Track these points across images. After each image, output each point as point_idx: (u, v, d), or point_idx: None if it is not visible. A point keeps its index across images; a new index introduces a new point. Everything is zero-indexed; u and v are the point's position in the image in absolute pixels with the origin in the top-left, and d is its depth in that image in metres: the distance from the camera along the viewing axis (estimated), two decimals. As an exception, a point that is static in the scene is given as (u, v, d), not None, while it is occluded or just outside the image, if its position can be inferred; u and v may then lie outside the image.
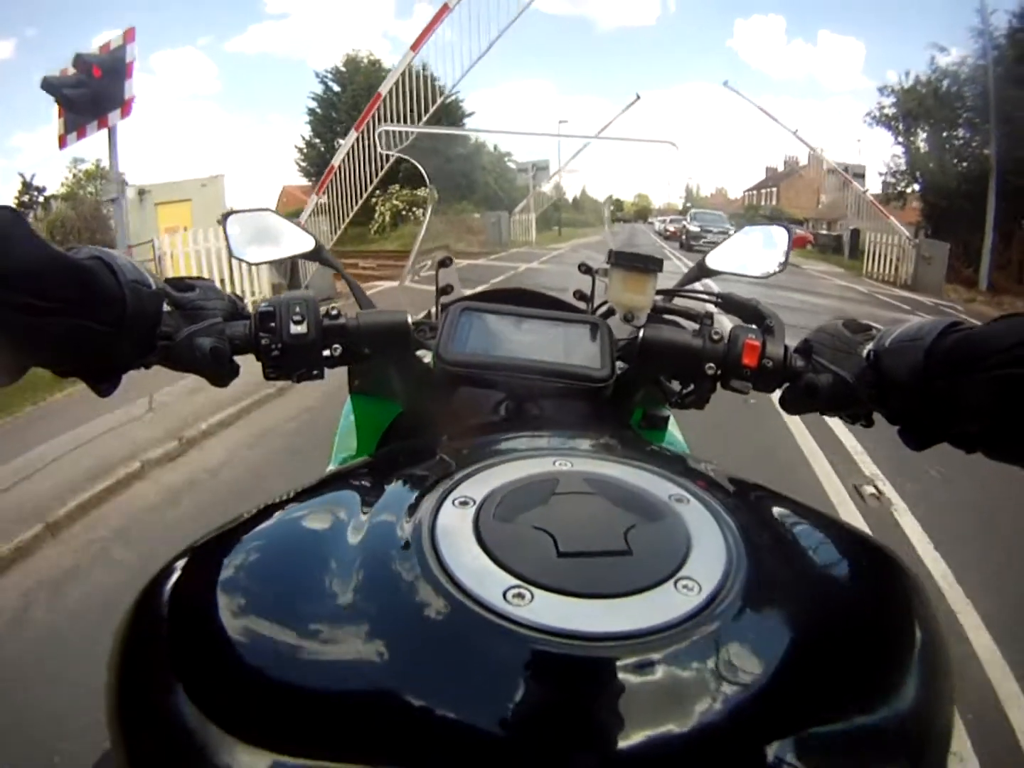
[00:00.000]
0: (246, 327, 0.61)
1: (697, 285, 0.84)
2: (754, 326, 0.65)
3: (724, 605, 0.34)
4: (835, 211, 40.51)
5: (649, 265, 0.68)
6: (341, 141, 21.57)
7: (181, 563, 0.41)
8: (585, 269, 0.86)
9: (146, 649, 0.37)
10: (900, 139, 15.70)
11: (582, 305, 0.87)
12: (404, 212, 19.64)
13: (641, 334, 0.66)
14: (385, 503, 0.43)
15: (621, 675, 0.31)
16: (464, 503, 0.41)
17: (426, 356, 0.70)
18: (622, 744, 0.29)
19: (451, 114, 23.37)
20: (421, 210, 18.92)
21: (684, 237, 20.15)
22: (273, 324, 0.61)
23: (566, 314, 0.73)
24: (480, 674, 0.31)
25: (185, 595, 0.38)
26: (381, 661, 0.32)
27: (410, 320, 0.66)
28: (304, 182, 24.37)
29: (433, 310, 0.86)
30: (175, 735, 0.31)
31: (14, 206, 0.47)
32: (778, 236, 0.82)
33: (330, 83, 23.71)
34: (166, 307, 0.58)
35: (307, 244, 0.77)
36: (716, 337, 0.64)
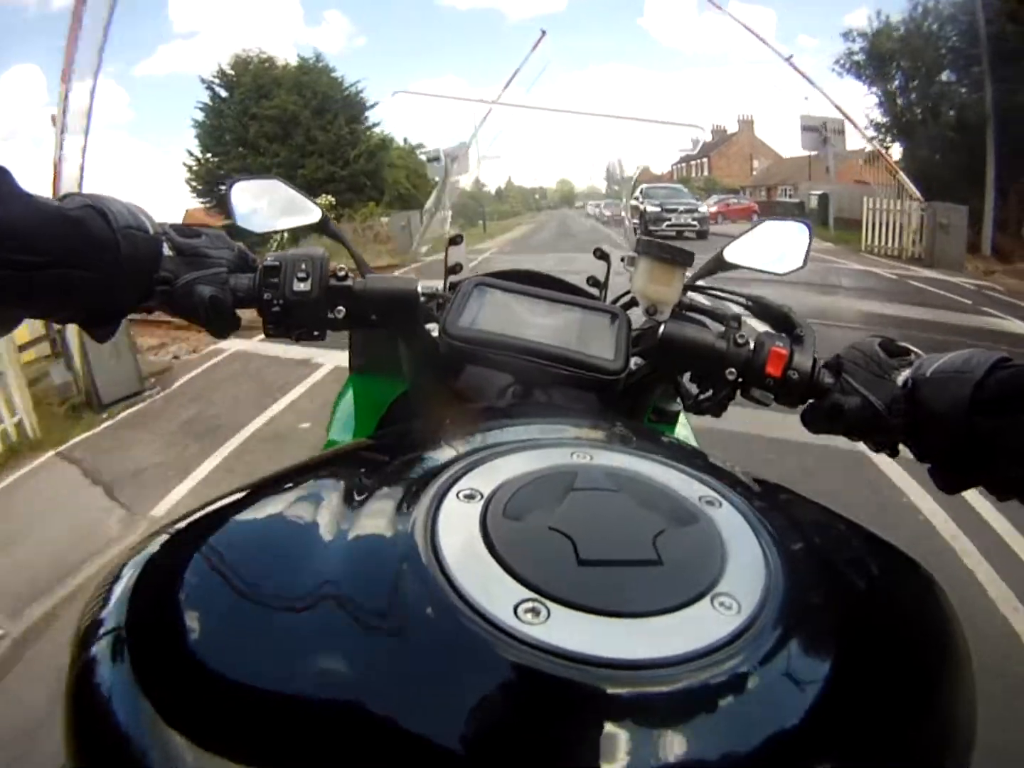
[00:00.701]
0: (251, 280, 0.60)
1: (712, 282, 0.78)
2: (783, 334, 0.63)
3: (765, 626, 0.30)
4: (772, 177, 39.31)
5: (678, 257, 0.65)
6: (243, 149, 19.75)
7: (148, 549, 0.36)
8: (600, 255, 0.83)
9: (103, 646, 0.31)
10: (874, 88, 13.45)
11: (595, 292, 0.83)
12: (306, 223, 16.59)
13: (662, 329, 0.63)
14: (380, 491, 0.38)
15: (655, 709, 0.26)
16: (470, 496, 0.36)
17: (434, 330, 0.66)
18: None
19: (352, 106, 20.45)
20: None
21: (640, 220, 16.38)
22: (276, 279, 0.59)
23: (585, 300, 0.70)
24: (485, 704, 0.26)
25: (149, 587, 0.34)
26: (366, 682, 0.27)
27: (419, 288, 0.64)
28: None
29: (440, 288, 0.77)
30: (133, 743, 0.28)
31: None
32: (798, 232, 0.77)
33: (217, 88, 20.49)
34: (168, 251, 0.57)
35: (313, 215, 0.73)
36: (741, 341, 0.61)
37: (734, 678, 0.28)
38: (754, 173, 41.69)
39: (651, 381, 0.69)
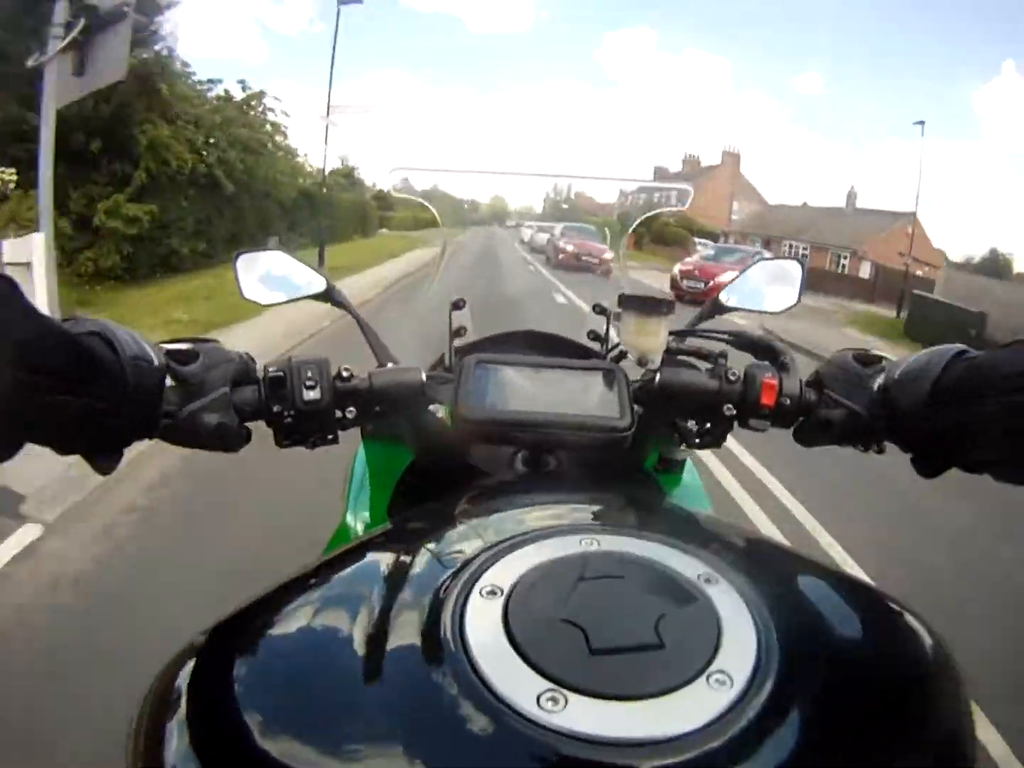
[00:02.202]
0: (255, 392, 0.59)
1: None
2: (767, 363, 0.65)
3: (756, 698, 0.33)
4: (768, 226, 33.00)
5: (661, 308, 0.69)
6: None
7: (202, 647, 0.40)
8: (600, 310, 0.85)
9: (162, 740, 0.35)
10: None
11: (596, 346, 0.86)
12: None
13: (658, 377, 0.66)
14: (409, 590, 0.42)
15: None
16: (492, 593, 0.39)
17: (439, 410, 0.70)
18: None
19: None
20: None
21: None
22: (284, 390, 0.58)
23: (581, 362, 0.72)
24: None
25: (205, 684, 0.38)
26: None
27: (424, 376, 0.64)
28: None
29: (447, 355, 0.84)
30: None
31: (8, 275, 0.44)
32: (791, 269, 0.80)
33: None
34: (169, 382, 0.54)
35: (318, 285, 0.77)
36: (733, 378, 0.64)
37: (727, 750, 0.31)
38: (734, 216, 36.35)
39: (652, 427, 0.70)
